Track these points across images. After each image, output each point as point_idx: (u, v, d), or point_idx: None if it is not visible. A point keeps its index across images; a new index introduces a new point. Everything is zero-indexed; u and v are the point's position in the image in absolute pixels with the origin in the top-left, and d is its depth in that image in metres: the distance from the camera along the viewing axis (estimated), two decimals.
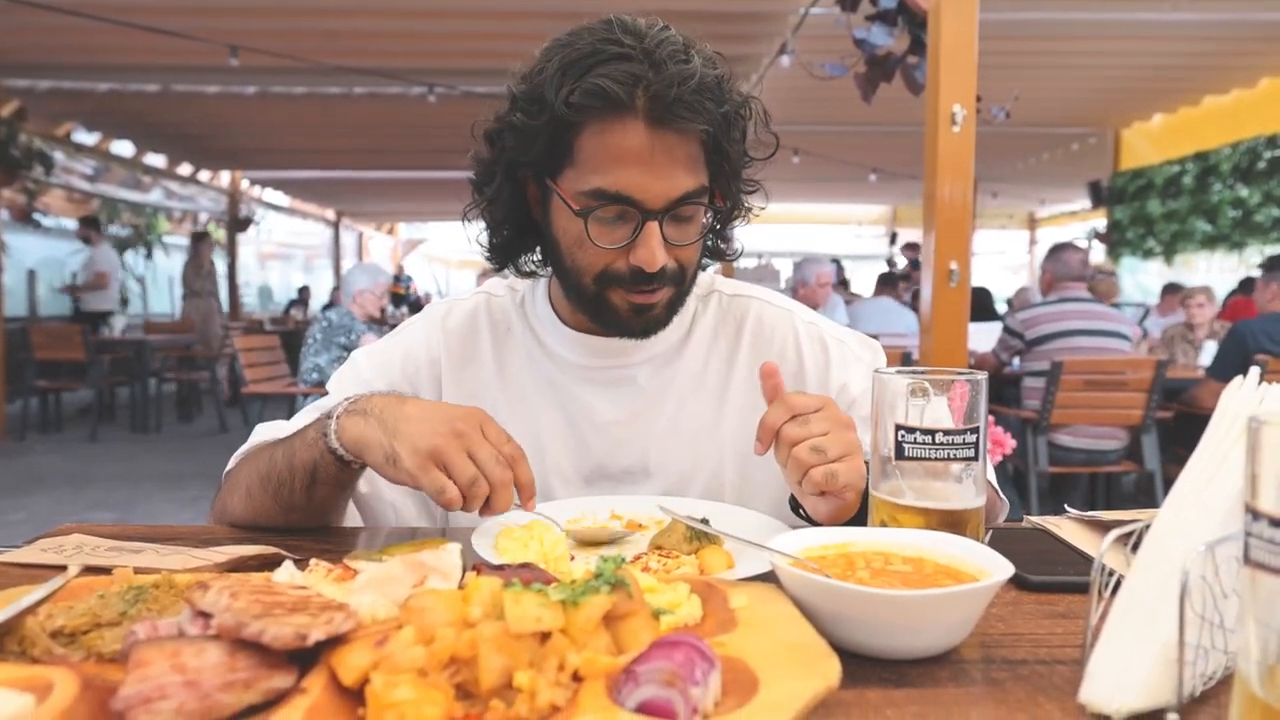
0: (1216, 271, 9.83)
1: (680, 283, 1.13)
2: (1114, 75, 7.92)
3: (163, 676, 0.52)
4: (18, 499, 5.66)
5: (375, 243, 21.56)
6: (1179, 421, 4.74)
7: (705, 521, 0.95)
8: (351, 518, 1.16)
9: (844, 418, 0.94)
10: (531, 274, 1.22)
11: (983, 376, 0.88)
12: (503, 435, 0.95)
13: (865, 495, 1.00)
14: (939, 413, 0.89)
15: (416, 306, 11.90)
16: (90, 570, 0.82)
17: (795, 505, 1.05)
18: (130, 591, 0.68)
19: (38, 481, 6.21)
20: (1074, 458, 4.47)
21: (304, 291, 15.03)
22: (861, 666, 0.68)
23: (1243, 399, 0.69)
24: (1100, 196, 10.94)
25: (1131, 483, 5.78)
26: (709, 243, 1.20)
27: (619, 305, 1.11)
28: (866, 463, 0.93)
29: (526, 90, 1.05)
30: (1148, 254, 10.44)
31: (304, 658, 0.58)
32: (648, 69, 0.99)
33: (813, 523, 1.03)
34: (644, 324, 1.13)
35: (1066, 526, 1.07)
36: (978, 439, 0.88)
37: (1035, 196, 14.84)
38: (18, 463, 6.92)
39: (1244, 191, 8.83)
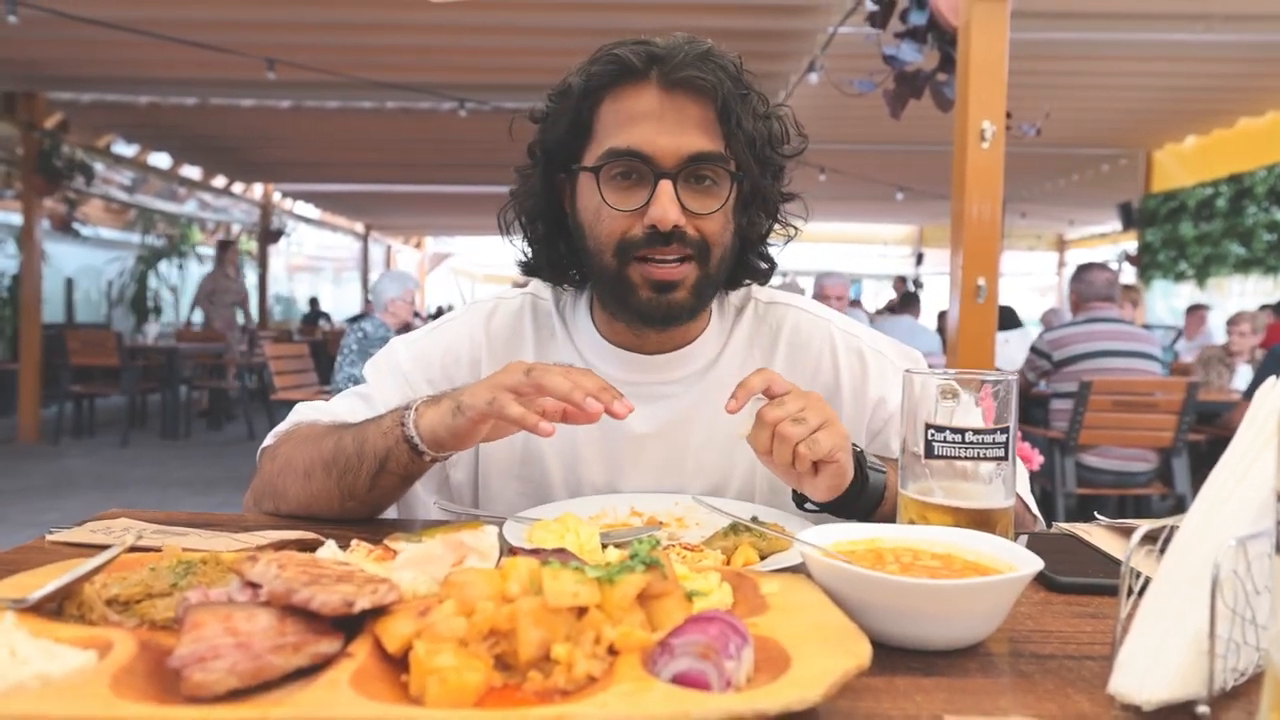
0: (1250, 295, 9.67)
1: (705, 261, 1.11)
2: (1146, 96, 7.86)
3: (216, 638, 0.54)
4: (50, 500, 5.76)
5: (402, 256, 21.80)
6: (1211, 445, 4.66)
7: (755, 519, 0.96)
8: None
9: (814, 394, 0.98)
10: (562, 280, 1.24)
11: (1013, 377, 0.89)
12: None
13: (860, 478, 1.02)
14: (969, 415, 0.90)
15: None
16: (139, 550, 0.85)
17: (798, 498, 1.08)
18: (180, 565, 0.70)
19: (70, 485, 6.32)
20: (1102, 479, 4.41)
21: (314, 303, 15.22)
22: (890, 655, 0.69)
23: (1275, 400, 0.70)
24: (1131, 218, 10.82)
25: (1166, 508, 5.69)
26: (747, 258, 1.21)
27: (638, 283, 1.10)
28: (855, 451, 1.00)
29: (557, 85, 1.14)
30: (1179, 277, 10.30)
31: (348, 627, 0.60)
32: (661, 47, 1.08)
33: (817, 509, 1.05)
34: (665, 306, 1.10)
35: (1096, 533, 1.07)
36: (1007, 439, 0.88)
37: (1064, 217, 14.70)
38: (51, 465, 7.05)
39: (1279, 215, 8.70)
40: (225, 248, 10.32)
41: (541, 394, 0.92)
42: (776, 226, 1.23)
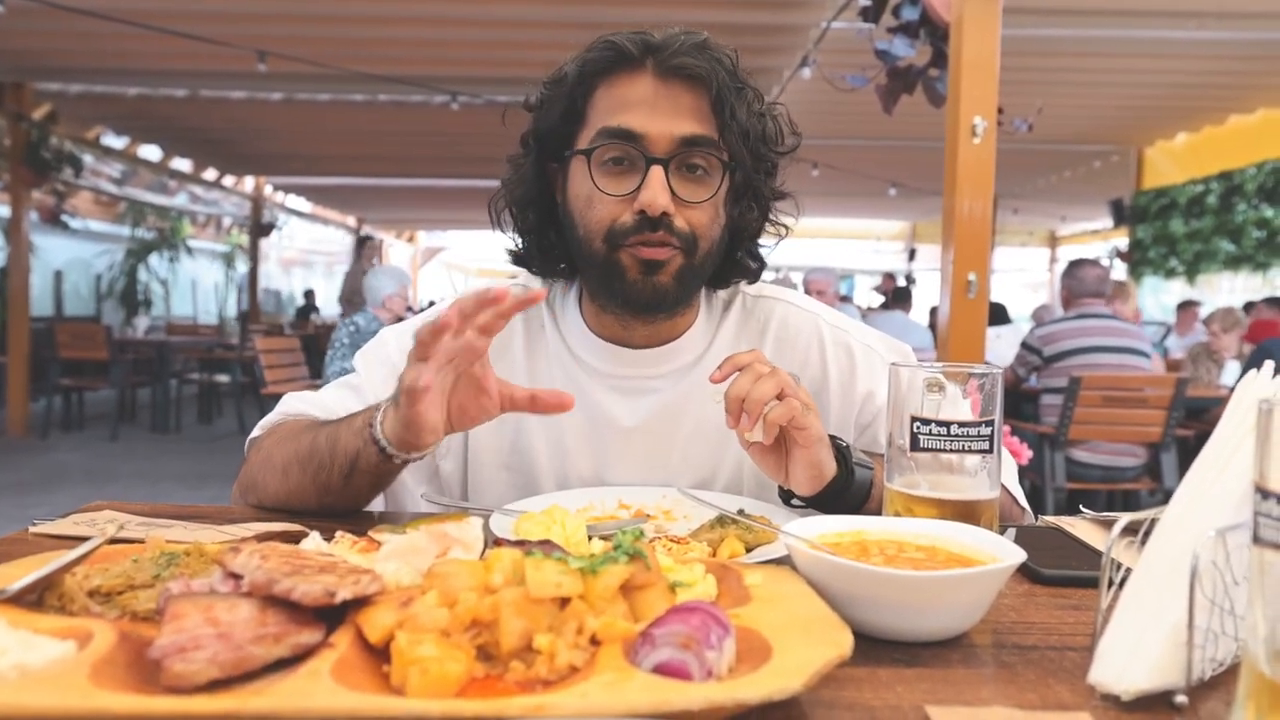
0: (1240, 292, 9.73)
1: (692, 253, 1.11)
2: (1137, 93, 7.88)
3: (197, 628, 0.54)
4: (40, 495, 5.74)
5: (395, 250, 21.71)
6: (1200, 440, 4.69)
7: (741, 512, 0.96)
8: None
9: (792, 376, 0.97)
10: (551, 272, 1.23)
11: (998, 370, 0.90)
12: None
13: (845, 473, 1.02)
14: (955, 408, 0.90)
15: None
16: (122, 541, 0.85)
17: (784, 494, 1.08)
18: (163, 557, 0.70)
19: (60, 479, 6.29)
20: (1091, 474, 4.43)
21: (310, 295, 15.15)
22: (874, 646, 0.69)
23: (1256, 390, 0.70)
24: (1122, 215, 10.87)
25: (1154, 503, 5.73)
26: (737, 255, 1.20)
27: (627, 265, 1.09)
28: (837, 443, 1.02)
29: (553, 72, 1.14)
30: (1170, 274, 10.35)
31: (330, 618, 0.59)
32: (657, 37, 1.09)
33: (804, 504, 1.05)
34: (652, 289, 1.10)
35: (1080, 526, 1.07)
36: (993, 432, 0.89)
37: (1056, 214, 14.75)
38: (41, 459, 7.02)
39: (1269, 212, 8.74)
40: (363, 244, 10.29)
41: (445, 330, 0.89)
42: (767, 225, 1.23)
